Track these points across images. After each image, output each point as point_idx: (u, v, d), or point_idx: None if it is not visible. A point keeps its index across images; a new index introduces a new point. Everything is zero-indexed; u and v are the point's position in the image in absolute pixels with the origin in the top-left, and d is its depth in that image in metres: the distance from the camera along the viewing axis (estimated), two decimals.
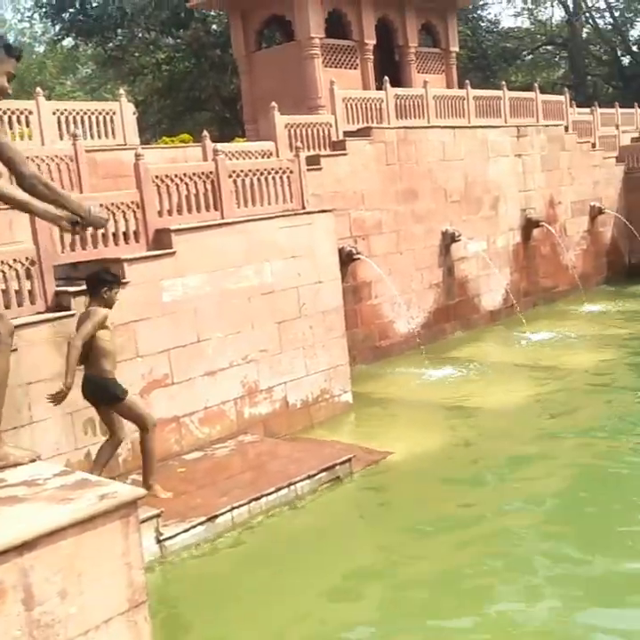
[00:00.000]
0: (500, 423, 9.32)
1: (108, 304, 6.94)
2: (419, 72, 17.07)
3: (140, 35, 28.36)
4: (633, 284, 17.79)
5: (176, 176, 8.75)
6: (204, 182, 9.00)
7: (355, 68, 16.13)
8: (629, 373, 11.46)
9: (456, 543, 6.44)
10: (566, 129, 17.49)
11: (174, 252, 8.45)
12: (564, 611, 5.35)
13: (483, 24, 36.14)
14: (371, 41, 16.17)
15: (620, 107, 21.40)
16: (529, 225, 16.22)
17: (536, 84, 17.89)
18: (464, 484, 7.69)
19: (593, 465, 7.92)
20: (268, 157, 11.58)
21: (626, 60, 40.11)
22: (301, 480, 7.58)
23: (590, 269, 18.02)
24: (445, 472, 8.01)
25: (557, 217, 17.03)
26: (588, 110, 19.87)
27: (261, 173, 9.55)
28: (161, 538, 6.50)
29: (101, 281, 6.93)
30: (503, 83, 16.69)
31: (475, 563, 6.06)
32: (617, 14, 39.87)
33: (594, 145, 18.44)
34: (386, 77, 14.16)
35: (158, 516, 6.54)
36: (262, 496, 7.25)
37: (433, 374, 11.84)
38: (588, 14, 39.32)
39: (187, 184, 8.85)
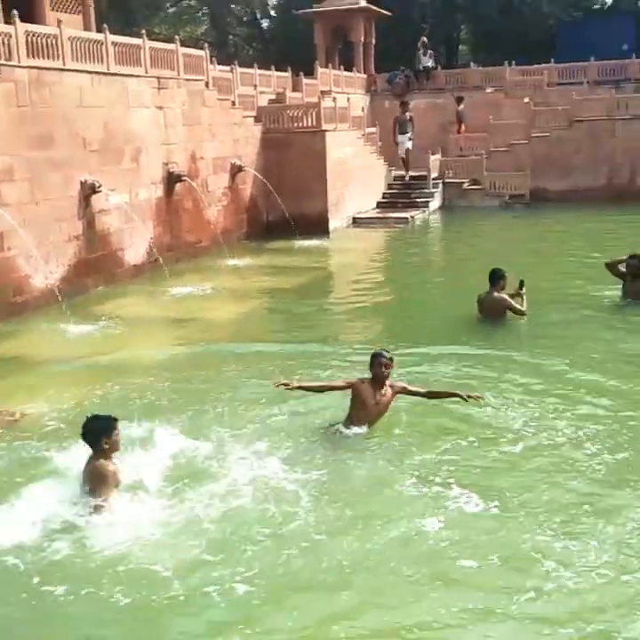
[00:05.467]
0: (136, 378, 9.22)
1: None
2: (52, 10, 16.00)
3: None
4: (271, 240, 18.79)
5: None
6: None
7: None
8: (262, 321, 12.03)
9: None
10: (207, 85, 17.70)
11: None
12: None
13: None
14: None
15: (260, 68, 22.24)
16: (171, 179, 16.20)
17: (177, 37, 17.80)
18: None
19: None
20: None
21: (265, 24, 41.93)
22: None
23: (231, 225, 18.63)
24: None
25: (199, 172, 17.27)
26: (228, 68, 20.34)
27: None
28: None
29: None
30: (143, 31, 16.32)
31: None
32: None
33: (234, 103, 18.94)
34: (15, 11, 13.01)
35: None
36: None
37: (73, 330, 11.39)
38: None
39: None
